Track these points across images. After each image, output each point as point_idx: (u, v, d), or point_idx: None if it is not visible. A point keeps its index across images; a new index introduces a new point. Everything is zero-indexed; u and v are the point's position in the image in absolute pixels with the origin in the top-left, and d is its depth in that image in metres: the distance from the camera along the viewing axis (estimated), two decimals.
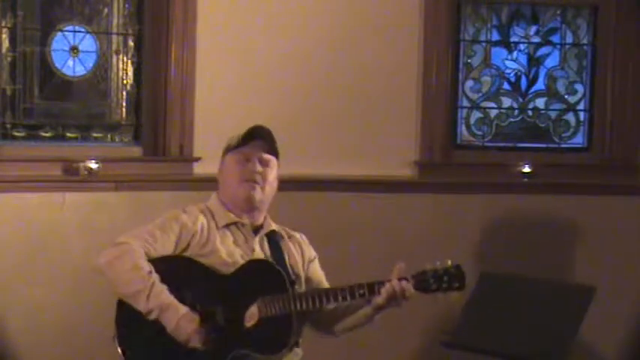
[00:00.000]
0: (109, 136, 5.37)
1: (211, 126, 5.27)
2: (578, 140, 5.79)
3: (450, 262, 3.53)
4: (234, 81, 5.33)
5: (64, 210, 5.04)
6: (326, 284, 3.78)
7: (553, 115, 5.78)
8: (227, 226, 3.69)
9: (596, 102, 5.74)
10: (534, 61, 5.75)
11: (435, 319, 4.67)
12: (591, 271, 5.32)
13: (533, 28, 5.74)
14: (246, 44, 5.32)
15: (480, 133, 5.73)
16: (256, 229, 3.74)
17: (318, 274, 3.80)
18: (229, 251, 3.62)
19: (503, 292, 3.97)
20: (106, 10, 5.30)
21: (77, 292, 5.04)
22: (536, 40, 5.74)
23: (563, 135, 5.79)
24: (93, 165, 5.04)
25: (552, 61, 5.76)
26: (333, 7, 5.42)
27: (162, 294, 3.44)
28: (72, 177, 5.06)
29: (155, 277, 3.46)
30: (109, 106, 5.36)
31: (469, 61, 5.70)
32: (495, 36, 5.72)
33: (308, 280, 3.75)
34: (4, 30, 5.11)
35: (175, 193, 5.18)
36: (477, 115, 5.73)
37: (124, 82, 5.35)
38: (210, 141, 5.24)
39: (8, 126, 5.16)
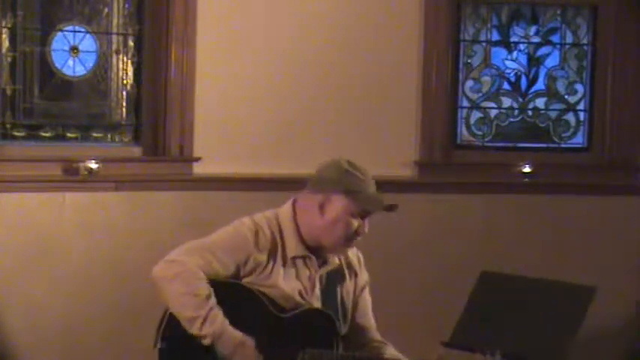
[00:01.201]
0: (109, 136, 5.37)
1: (211, 126, 5.27)
2: (578, 140, 5.79)
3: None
4: (234, 81, 5.33)
5: (64, 210, 5.04)
6: (370, 315, 3.61)
7: (553, 115, 5.78)
8: (294, 258, 3.44)
9: (596, 102, 5.74)
10: (534, 61, 5.75)
11: (435, 318, 4.67)
12: (591, 271, 5.31)
13: (533, 28, 5.74)
14: (246, 44, 5.32)
15: (479, 133, 5.73)
16: (322, 262, 3.49)
17: (366, 303, 3.60)
18: (290, 286, 3.41)
19: (503, 292, 3.96)
20: (106, 10, 5.30)
21: (77, 292, 5.04)
22: (536, 40, 5.74)
23: (563, 135, 5.79)
24: (93, 165, 5.04)
25: (552, 61, 5.76)
26: (333, 8, 5.42)
27: (218, 319, 3.29)
28: (72, 177, 5.06)
29: (213, 301, 3.31)
30: (109, 106, 5.36)
31: (469, 61, 5.70)
32: (495, 36, 5.72)
33: (355, 307, 3.57)
34: (4, 30, 5.11)
35: (175, 193, 5.18)
36: (476, 115, 5.73)
37: (124, 82, 5.35)
38: (210, 141, 5.26)
39: (8, 126, 5.16)
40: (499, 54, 5.73)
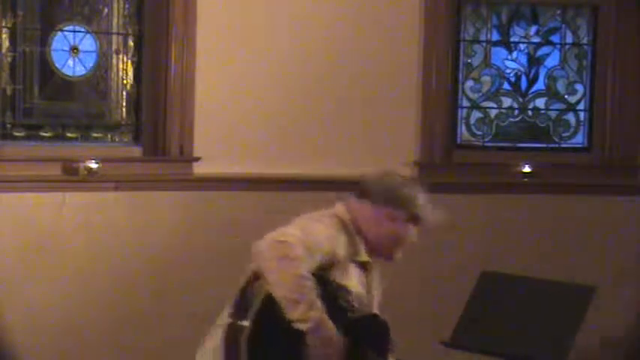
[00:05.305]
0: (109, 136, 5.37)
1: (211, 126, 5.27)
2: (578, 140, 5.79)
3: None
4: (234, 81, 5.33)
5: (64, 210, 5.04)
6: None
7: (553, 115, 5.79)
8: (362, 262, 3.55)
9: (596, 102, 5.74)
10: (534, 61, 5.75)
11: (435, 318, 4.68)
12: (591, 271, 5.32)
13: (533, 28, 5.74)
14: (246, 44, 5.32)
15: (479, 133, 5.73)
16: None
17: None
18: (359, 287, 3.50)
19: (503, 291, 3.96)
20: (106, 10, 5.30)
21: (77, 292, 5.04)
22: (536, 40, 5.74)
23: (563, 135, 5.79)
24: (93, 165, 5.04)
25: (552, 61, 5.76)
26: (333, 8, 5.42)
27: (320, 307, 3.26)
28: (72, 177, 5.06)
29: (316, 290, 3.29)
30: (108, 106, 5.36)
31: (469, 61, 5.70)
32: (495, 36, 5.72)
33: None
34: (4, 30, 5.11)
35: (175, 193, 5.18)
36: (476, 115, 5.73)
37: (124, 82, 5.35)
38: (210, 141, 5.26)
39: (8, 126, 5.16)
40: (499, 54, 5.74)
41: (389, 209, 3.58)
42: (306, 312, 3.24)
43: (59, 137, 5.27)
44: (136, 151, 5.36)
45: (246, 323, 3.28)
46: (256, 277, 3.33)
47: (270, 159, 5.36)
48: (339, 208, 3.59)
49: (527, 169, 5.54)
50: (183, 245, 5.20)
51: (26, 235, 4.99)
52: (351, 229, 3.54)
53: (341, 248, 3.45)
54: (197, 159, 5.28)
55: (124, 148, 5.35)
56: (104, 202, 5.10)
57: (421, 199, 3.65)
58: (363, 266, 3.56)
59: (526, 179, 5.54)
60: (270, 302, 3.26)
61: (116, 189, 5.13)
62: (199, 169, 5.29)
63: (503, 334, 3.82)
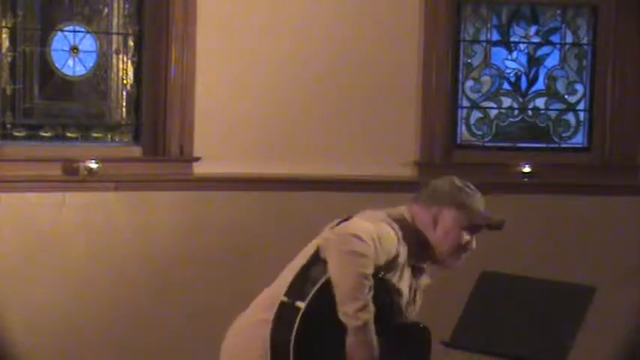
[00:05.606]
0: (109, 136, 5.37)
1: (211, 126, 5.27)
2: (578, 140, 5.79)
3: None
4: (234, 81, 5.33)
5: (64, 210, 5.04)
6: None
7: (553, 115, 5.79)
8: (414, 266, 3.55)
9: (596, 102, 5.74)
10: (534, 61, 5.75)
11: (435, 318, 4.67)
12: (591, 271, 5.32)
13: (533, 28, 5.74)
14: (246, 44, 5.33)
15: (479, 133, 5.74)
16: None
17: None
18: (406, 292, 3.52)
19: (503, 291, 3.95)
20: (106, 10, 5.31)
21: (77, 292, 5.04)
22: (536, 40, 5.75)
23: (563, 135, 5.79)
24: (93, 165, 5.05)
25: (552, 61, 5.77)
26: (332, 8, 5.42)
27: (372, 310, 3.26)
28: (72, 177, 5.06)
29: (372, 292, 3.28)
30: (108, 106, 5.36)
31: (469, 61, 5.70)
32: (495, 36, 5.72)
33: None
34: (4, 30, 5.12)
35: (175, 193, 5.18)
36: (476, 115, 5.73)
37: (124, 82, 5.36)
38: (210, 141, 5.26)
39: (8, 126, 5.17)
40: (499, 54, 5.74)
41: (449, 215, 3.55)
42: (357, 311, 3.22)
43: (59, 137, 5.27)
44: (136, 151, 5.36)
45: (301, 304, 3.25)
46: (318, 259, 3.32)
47: (270, 159, 5.37)
48: (402, 210, 3.57)
49: (527, 169, 5.54)
50: (183, 245, 5.20)
51: (26, 235, 4.99)
52: (412, 233, 3.51)
53: (403, 252, 3.42)
54: (197, 159, 5.28)
55: (124, 148, 5.35)
56: (104, 202, 5.10)
57: (481, 205, 3.63)
58: (417, 271, 3.55)
59: (526, 179, 5.54)
60: (329, 289, 3.24)
61: (116, 189, 5.13)
62: (199, 169, 5.29)
63: (503, 334, 3.82)
